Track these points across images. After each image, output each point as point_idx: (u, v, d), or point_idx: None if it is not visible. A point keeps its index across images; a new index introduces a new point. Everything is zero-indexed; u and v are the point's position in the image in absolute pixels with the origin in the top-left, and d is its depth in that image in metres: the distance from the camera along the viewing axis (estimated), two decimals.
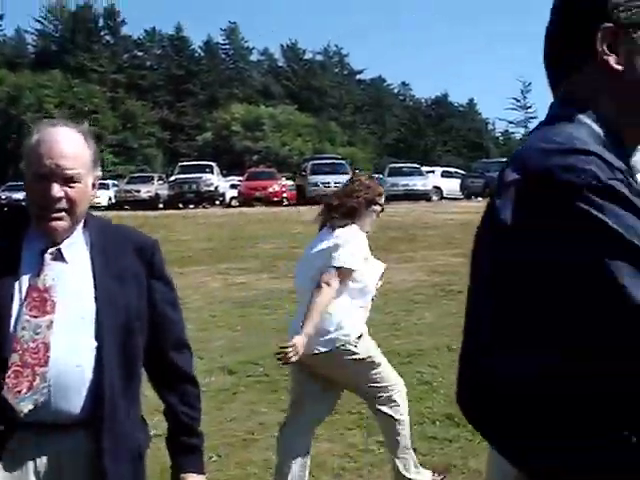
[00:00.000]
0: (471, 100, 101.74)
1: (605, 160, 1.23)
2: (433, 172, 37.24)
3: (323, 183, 31.51)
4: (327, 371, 4.50)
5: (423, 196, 31.94)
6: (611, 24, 1.35)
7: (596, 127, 1.35)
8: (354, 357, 4.41)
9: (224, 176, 39.04)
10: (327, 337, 4.37)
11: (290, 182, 37.38)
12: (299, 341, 4.18)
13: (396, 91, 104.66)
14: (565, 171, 1.21)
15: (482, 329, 1.31)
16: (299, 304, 4.70)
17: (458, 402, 1.38)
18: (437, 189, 34.99)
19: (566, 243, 1.20)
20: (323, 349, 4.37)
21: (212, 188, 34.31)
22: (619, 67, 1.37)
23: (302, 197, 32.07)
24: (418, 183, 32.86)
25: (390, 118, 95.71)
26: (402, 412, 4.53)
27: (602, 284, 1.18)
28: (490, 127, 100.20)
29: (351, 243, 4.45)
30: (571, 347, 1.20)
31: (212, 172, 35.32)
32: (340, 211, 4.57)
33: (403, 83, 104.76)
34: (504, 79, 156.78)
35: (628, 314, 1.16)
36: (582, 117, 1.36)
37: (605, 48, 1.36)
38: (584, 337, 1.19)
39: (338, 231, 4.49)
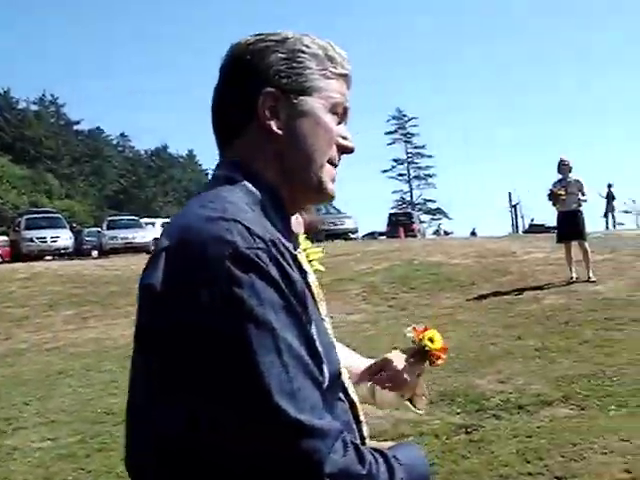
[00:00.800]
0: (191, 151, 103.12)
1: (249, 229, 1.23)
2: (153, 224, 37.12)
3: (39, 238, 30.48)
4: None
5: (143, 248, 31.63)
6: (273, 89, 1.40)
7: (255, 190, 1.37)
8: None
9: None
10: None
11: (4, 238, 35.69)
12: None
13: (115, 142, 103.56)
14: (209, 240, 1.21)
15: (135, 385, 1.30)
16: None
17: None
18: (157, 241, 34.84)
19: (205, 314, 1.18)
20: None
21: None
22: (279, 131, 1.40)
23: (17, 254, 30.67)
24: (137, 235, 32.68)
25: (110, 170, 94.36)
26: None
27: (232, 357, 1.16)
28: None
29: None
30: (197, 414, 1.19)
31: None
32: None
33: (122, 134, 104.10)
34: None
35: (253, 392, 1.16)
36: (242, 180, 1.38)
37: (267, 112, 1.40)
38: (210, 406, 1.18)
39: None
